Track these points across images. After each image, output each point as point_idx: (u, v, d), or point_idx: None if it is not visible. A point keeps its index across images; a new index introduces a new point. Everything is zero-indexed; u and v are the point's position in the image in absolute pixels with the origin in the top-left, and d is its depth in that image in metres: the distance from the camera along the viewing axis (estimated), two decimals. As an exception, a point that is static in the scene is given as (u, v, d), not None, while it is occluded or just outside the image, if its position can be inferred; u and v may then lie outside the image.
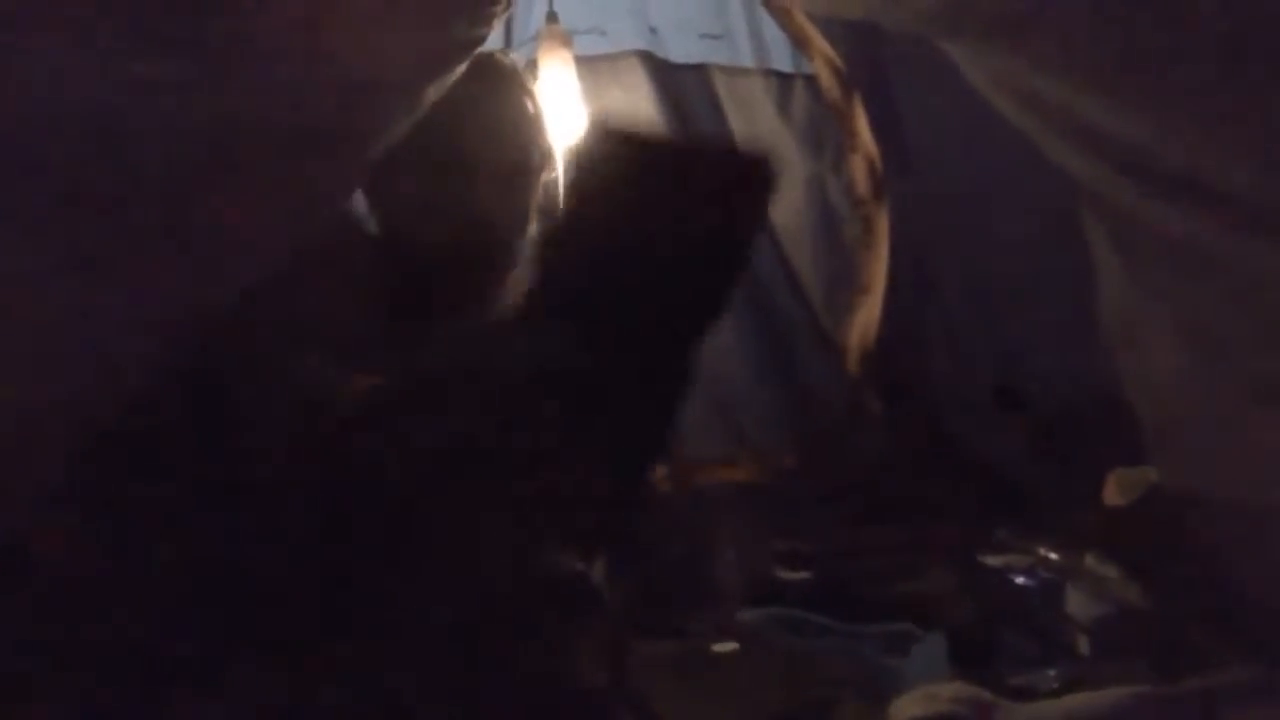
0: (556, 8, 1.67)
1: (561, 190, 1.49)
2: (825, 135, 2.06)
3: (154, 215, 0.70)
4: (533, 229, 1.23)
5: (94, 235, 0.68)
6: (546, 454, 0.56)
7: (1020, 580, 1.38)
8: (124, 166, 0.67)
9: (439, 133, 0.99)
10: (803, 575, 1.50)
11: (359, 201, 1.18)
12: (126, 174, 0.68)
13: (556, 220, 0.57)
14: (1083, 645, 1.27)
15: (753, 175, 0.56)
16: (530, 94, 1.23)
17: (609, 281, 0.55)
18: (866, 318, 1.99)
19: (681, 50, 2.05)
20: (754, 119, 2.06)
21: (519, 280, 1.24)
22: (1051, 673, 1.17)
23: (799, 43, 2.02)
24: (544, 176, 1.26)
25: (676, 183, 0.54)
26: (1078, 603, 1.31)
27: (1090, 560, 1.35)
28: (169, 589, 0.76)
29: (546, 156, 1.27)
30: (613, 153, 0.56)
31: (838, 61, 1.98)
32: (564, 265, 0.57)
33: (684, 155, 0.55)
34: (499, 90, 1.18)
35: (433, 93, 0.90)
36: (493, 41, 1.91)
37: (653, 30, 2.03)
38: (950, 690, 1.00)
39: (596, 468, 0.56)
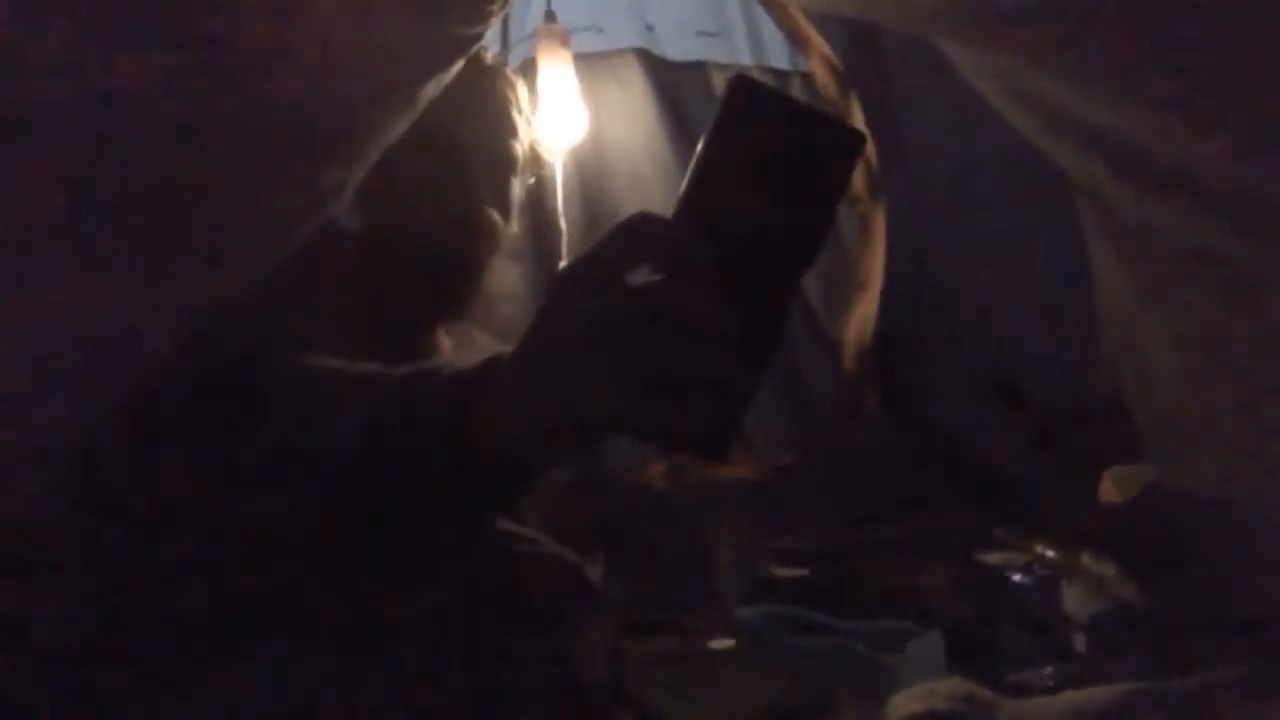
0: (553, 4, 1.66)
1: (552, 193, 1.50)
2: (822, 133, 2.06)
3: (155, 216, 0.70)
4: (514, 223, 1.23)
5: (95, 237, 0.68)
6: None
7: (1017, 578, 1.38)
8: (124, 168, 0.67)
9: (420, 123, 0.99)
10: (800, 572, 1.50)
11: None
12: (127, 175, 0.67)
13: (705, 155, 0.60)
14: (1079, 643, 1.27)
15: (855, 144, 0.62)
16: (513, 88, 1.23)
17: (739, 220, 0.60)
18: (863, 315, 1.99)
19: (678, 47, 2.05)
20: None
21: (502, 272, 1.25)
22: (1048, 670, 1.17)
23: (796, 40, 2.02)
24: (528, 172, 1.27)
25: (804, 141, 0.60)
26: (1075, 600, 1.31)
27: (1087, 558, 1.35)
28: (171, 587, 0.77)
29: (531, 151, 1.27)
30: (755, 105, 0.60)
31: (835, 59, 1.98)
32: (706, 198, 0.61)
33: (807, 117, 0.61)
34: (478, 83, 1.19)
35: (431, 90, 0.90)
36: (490, 40, 1.91)
37: (649, 27, 2.03)
38: (947, 687, 1.00)
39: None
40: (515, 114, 1.24)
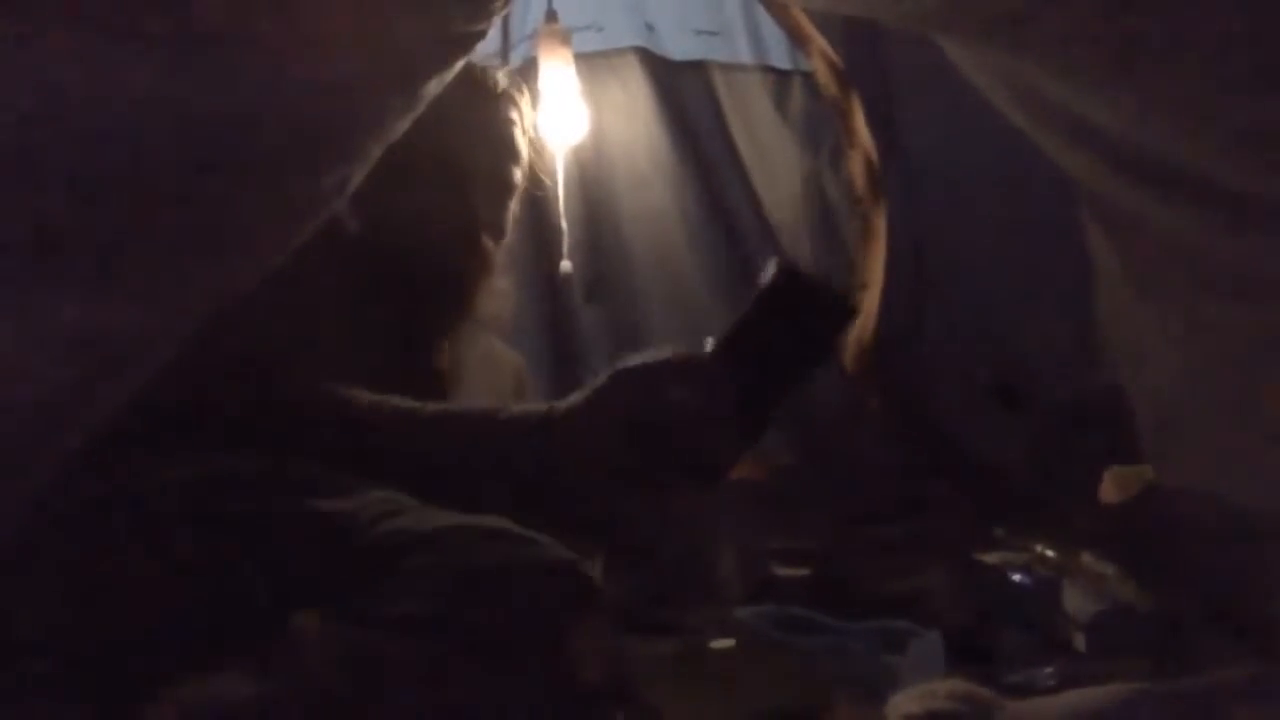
0: (553, 4, 1.66)
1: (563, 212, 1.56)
2: (823, 132, 2.06)
3: (156, 214, 0.70)
4: (507, 238, 1.27)
5: (101, 238, 0.68)
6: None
7: (1017, 578, 1.37)
8: (126, 165, 0.67)
9: (421, 141, 1.01)
10: (800, 572, 1.50)
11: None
12: (129, 173, 0.67)
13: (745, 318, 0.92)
14: (1079, 643, 1.26)
15: (851, 314, 1.05)
16: (519, 108, 1.26)
17: (757, 362, 0.91)
18: (864, 315, 1.99)
19: (679, 47, 2.05)
20: (752, 116, 2.06)
21: (497, 291, 1.29)
22: (1048, 670, 1.17)
23: (797, 39, 2.02)
24: (521, 188, 1.29)
25: (818, 316, 0.92)
26: (1075, 600, 1.31)
27: (1087, 558, 1.35)
28: (154, 592, 0.78)
29: (530, 171, 1.30)
30: (791, 293, 0.90)
31: (836, 58, 1.98)
32: (738, 346, 0.91)
33: (825, 298, 0.92)
34: (484, 107, 1.21)
35: (432, 88, 0.90)
36: (491, 39, 1.91)
37: (650, 26, 2.03)
38: (947, 688, 1.00)
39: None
40: (519, 136, 1.26)
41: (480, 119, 1.20)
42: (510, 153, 1.25)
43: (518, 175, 1.26)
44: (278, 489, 0.86)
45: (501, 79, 1.25)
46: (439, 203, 1.17)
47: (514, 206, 1.28)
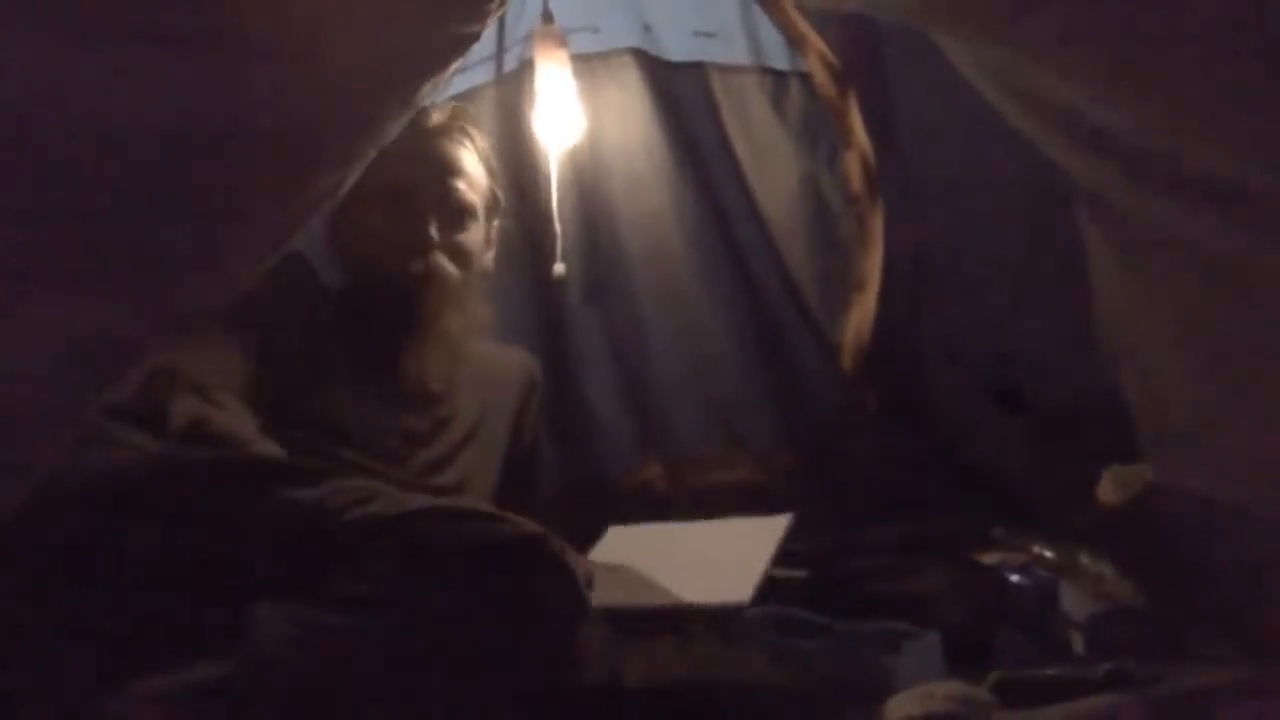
0: (549, 5, 1.66)
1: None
2: (820, 133, 2.06)
3: (154, 219, 0.70)
4: (479, 265, 1.38)
5: (94, 239, 0.68)
6: None
7: (1015, 578, 1.37)
8: (125, 164, 0.67)
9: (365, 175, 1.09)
10: (798, 573, 1.50)
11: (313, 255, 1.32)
12: (127, 171, 0.67)
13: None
14: (1077, 643, 1.27)
15: None
16: (470, 137, 1.36)
17: None
18: (861, 316, 1.99)
19: (675, 47, 2.04)
20: (748, 117, 2.06)
21: (479, 312, 1.38)
22: (1046, 672, 1.17)
23: (793, 39, 2.02)
24: (485, 207, 1.39)
25: None
26: (1073, 601, 1.31)
27: (1085, 558, 1.35)
28: (124, 584, 0.78)
29: (491, 196, 1.41)
30: None
31: (832, 58, 1.98)
32: None
33: None
34: (414, 134, 1.25)
35: (428, 89, 0.90)
36: (486, 42, 1.90)
37: (646, 27, 2.02)
38: (945, 689, 1.00)
39: None
40: (467, 159, 1.33)
41: (416, 147, 1.26)
42: (455, 172, 1.31)
43: (470, 196, 1.32)
44: (246, 479, 0.86)
45: (438, 115, 1.33)
46: (386, 227, 1.25)
47: (481, 232, 1.36)
